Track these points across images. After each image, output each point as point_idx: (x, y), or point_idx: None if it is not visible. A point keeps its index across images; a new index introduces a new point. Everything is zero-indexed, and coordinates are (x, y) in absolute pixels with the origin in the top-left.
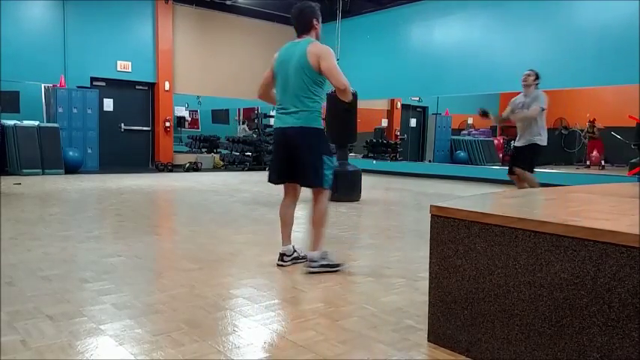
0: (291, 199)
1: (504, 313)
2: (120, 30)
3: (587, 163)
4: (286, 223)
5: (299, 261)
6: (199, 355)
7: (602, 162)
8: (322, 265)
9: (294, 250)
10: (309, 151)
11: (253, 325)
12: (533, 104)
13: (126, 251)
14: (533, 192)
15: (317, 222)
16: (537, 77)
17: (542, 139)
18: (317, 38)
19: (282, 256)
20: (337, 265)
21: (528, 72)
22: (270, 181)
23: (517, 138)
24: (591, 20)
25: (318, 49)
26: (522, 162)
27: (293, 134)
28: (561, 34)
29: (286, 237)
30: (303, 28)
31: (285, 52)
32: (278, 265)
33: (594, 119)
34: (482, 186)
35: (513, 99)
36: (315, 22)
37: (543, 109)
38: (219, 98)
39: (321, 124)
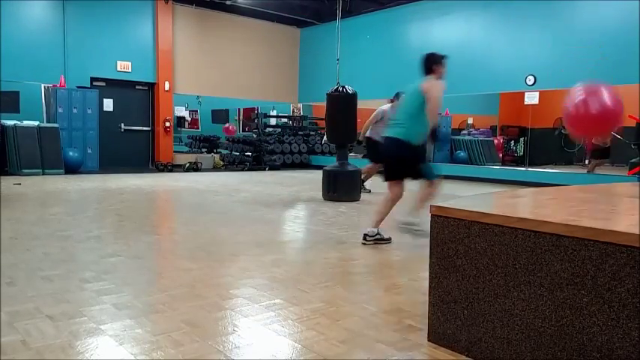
0: None
1: (504, 313)
2: (120, 30)
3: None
4: None
5: None
6: (199, 355)
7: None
8: None
9: None
10: None
11: (253, 325)
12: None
13: (126, 251)
14: (533, 192)
15: None
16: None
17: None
18: None
19: None
20: None
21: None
22: None
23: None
24: (591, 20)
25: None
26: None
27: None
28: (561, 33)
29: None
30: None
31: None
32: None
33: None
34: (482, 186)
35: (380, 107)
36: None
37: None
38: (218, 98)
39: None
